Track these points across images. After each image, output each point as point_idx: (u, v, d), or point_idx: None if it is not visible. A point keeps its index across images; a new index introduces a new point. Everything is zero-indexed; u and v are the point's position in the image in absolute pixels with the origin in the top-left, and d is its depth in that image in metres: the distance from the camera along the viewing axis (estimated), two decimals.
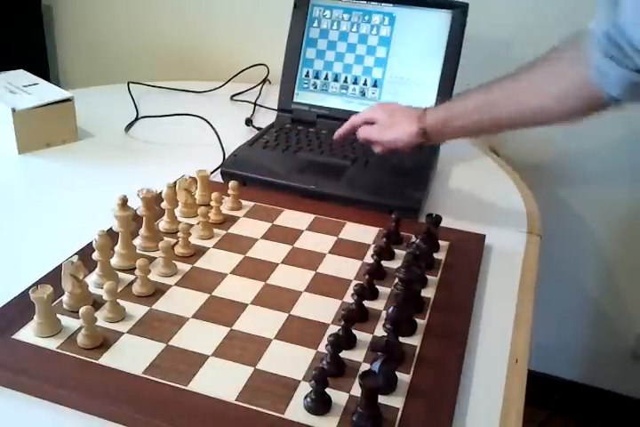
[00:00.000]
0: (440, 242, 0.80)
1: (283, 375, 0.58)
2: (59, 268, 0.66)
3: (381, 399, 0.54)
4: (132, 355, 0.59)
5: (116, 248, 0.72)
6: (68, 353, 0.59)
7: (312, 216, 0.86)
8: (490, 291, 0.75)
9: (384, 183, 0.93)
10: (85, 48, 1.67)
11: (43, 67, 1.64)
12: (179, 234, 0.75)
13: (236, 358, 0.60)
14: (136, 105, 1.21)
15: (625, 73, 0.65)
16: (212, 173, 0.94)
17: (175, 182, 0.82)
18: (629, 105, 0.70)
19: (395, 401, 0.56)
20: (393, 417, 0.54)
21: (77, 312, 0.60)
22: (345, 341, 0.61)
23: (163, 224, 0.80)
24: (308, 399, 0.55)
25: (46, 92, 1.06)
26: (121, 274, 0.71)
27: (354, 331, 0.62)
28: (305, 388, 0.56)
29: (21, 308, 0.63)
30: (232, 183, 0.86)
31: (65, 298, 0.65)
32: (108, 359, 0.59)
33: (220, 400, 0.55)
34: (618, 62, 0.65)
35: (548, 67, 0.75)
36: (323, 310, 0.67)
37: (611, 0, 0.64)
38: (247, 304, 0.68)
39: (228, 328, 0.64)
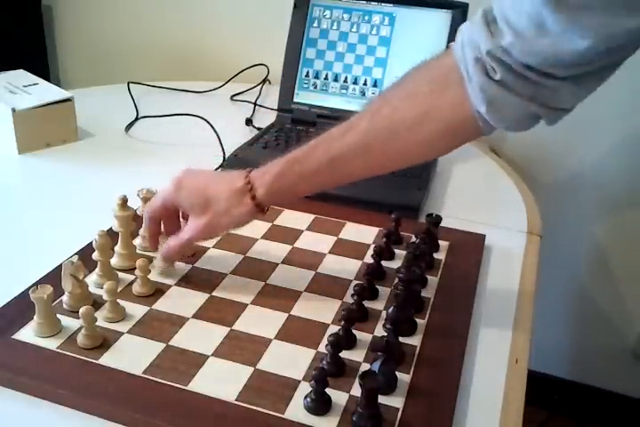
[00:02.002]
0: (440, 242, 0.80)
1: (283, 375, 0.58)
2: (59, 268, 0.66)
3: (381, 399, 0.54)
4: (132, 355, 0.59)
5: (116, 248, 0.72)
6: (68, 353, 0.59)
7: (312, 216, 0.86)
8: (490, 291, 0.75)
9: (384, 183, 0.93)
10: (85, 48, 1.67)
11: (43, 67, 1.64)
12: None
13: (236, 358, 0.60)
14: (136, 105, 1.21)
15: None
16: None
17: None
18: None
19: (395, 401, 0.56)
20: (393, 417, 0.54)
21: (77, 312, 0.60)
22: (345, 341, 0.61)
23: None
24: (308, 399, 0.55)
25: (46, 92, 1.06)
26: (121, 274, 0.71)
27: (354, 331, 0.62)
28: (305, 388, 0.56)
29: (21, 308, 0.63)
30: None
31: (65, 298, 0.65)
32: (108, 359, 0.59)
33: (220, 400, 0.55)
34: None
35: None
36: (323, 310, 0.67)
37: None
38: (247, 304, 0.68)
39: (228, 328, 0.64)
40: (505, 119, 0.57)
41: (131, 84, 1.26)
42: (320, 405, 0.55)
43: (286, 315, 0.66)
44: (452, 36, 1.04)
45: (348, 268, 0.75)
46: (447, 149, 0.64)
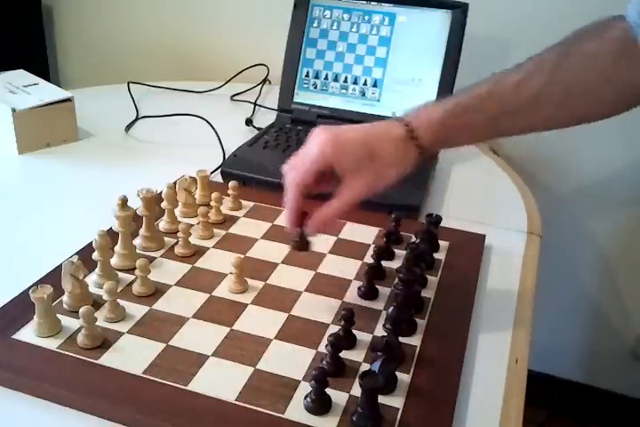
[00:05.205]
0: (440, 242, 0.80)
1: (283, 375, 0.58)
2: (59, 268, 0.66)
3: (381, 399, 0.54)
4: (132, 355, 0.59)
5: (116, 248, 0.72)
6: (68, 353, 0.59)
7: None
8: (490, 291, 0.75)
9: None
10: (85, 48, 1.67)
11: (43, 67, 1.64)
12: (179, 234, 0.75)
13: (236, 358, 0.60)
14: (136, 105, 1.21)
15: None
16: (211, 173, 0.94)
17: (175, 182, 0.82)
18: None
19: (395, 401, 0.56)
20: (393, 417, 0.54)
21: (77, 312, 0.60)
22: (345, 341, 0.61)
23: (163, 224, 0.80)
24: (308, 399, 0.55)
25: (46, 92, 1.06)
26: (121, 274, 0.71)
27: (354, 331, 0.62)
28: (305, 388, 0.56)
29: (21, 308, 0.63)
30: (232, 183, 0.86)
31: (65, 298, 0.65)
32: (107, 359, 0.59)
33: (220, 400, 0.55)
34: None
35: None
36: (323, 310, 0.67)
37: None
38: (247, 304, 0.68)
39: (228, 328, 0.64)
40: None
41: (131, 84, 1.26)
42: (320, 405, 0.55)
43: (286, 315, 0.66)
44: (452, 36, 1.05)
45: (348, 268, 0.75)
46: (625, 110, 0.65)
